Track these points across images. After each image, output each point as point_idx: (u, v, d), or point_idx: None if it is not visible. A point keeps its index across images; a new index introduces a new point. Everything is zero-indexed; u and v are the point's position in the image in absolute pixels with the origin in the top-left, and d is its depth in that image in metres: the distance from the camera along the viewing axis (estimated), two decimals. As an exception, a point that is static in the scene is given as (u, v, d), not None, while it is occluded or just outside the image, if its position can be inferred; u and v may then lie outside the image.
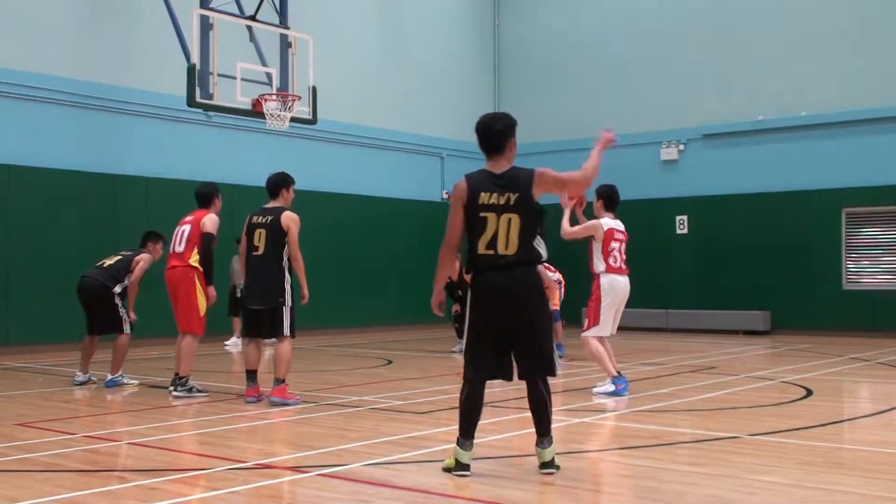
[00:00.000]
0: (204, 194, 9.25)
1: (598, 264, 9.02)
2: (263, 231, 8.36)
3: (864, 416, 8.24)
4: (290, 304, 8.33)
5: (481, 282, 5.35)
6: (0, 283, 13.12)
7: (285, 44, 13.98)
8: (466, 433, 5.37)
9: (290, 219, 8.38)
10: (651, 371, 11.15)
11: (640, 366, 11.75)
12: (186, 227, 9.07)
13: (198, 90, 12.72)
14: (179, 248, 8.99)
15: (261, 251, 8.36)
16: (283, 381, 8.28)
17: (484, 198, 5.31)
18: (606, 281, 8.96)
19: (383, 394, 9.19)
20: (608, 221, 9.12)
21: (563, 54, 21.16)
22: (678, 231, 19.19)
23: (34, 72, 14.03)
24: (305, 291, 8.51)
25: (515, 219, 5.30)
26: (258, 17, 13.86)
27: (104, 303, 9.90)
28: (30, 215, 13.86)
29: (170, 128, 15.66)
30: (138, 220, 15.04)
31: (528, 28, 21.87)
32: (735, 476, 5.37)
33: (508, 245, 5.30)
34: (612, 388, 8.91)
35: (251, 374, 8.49)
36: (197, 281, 8.97)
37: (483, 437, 6.81)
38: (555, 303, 11.92)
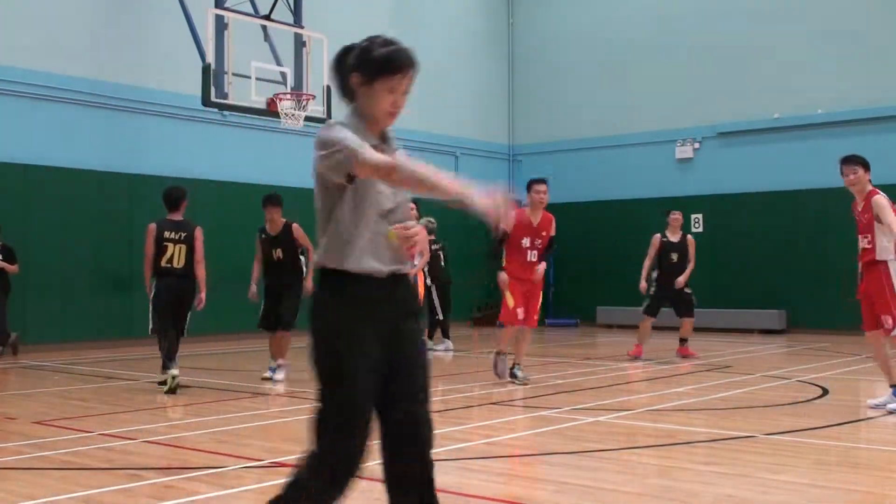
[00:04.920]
0: None
1: (883, 249, 7.48)
2: None
3: (881, 416, 8.18)
4: None
5: (162, 282, 9.15)
6: (17, 282, 13.19)
7: (299, 43, 14.01)
8: (169, 359, 9.02)
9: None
10: (666, 370, 11.12)
11: (655, 364, 11.73)
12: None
13: (213, 90, 12.78)
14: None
15: None
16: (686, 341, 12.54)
17: (167, 234, 9.21)
18: None
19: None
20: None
21: (577, 53, 21.10)
22: (693, 229, 19.06)
23: (50, 72, 14.10)
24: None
25: (184, 248, 9.18)
26: (272, 16, 13.89)
27: None
28: (46, 214, 13.93)
29: (185, 127, 15.70)
30: (155, 219, 15.10)
31: (542, 26, 21.82)
32: (750, 475, 5.35)
33: (179, 262, 9.15)
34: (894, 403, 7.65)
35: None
36: None
37: (497, 436, 6.82)
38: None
